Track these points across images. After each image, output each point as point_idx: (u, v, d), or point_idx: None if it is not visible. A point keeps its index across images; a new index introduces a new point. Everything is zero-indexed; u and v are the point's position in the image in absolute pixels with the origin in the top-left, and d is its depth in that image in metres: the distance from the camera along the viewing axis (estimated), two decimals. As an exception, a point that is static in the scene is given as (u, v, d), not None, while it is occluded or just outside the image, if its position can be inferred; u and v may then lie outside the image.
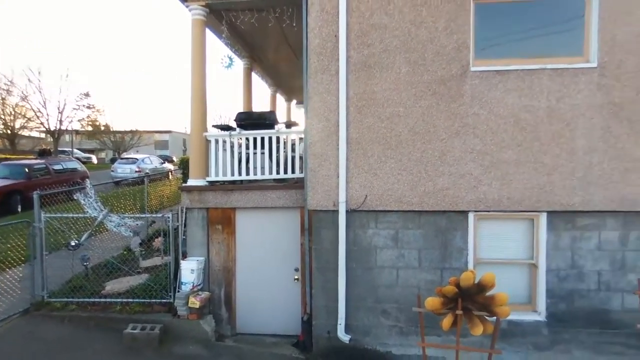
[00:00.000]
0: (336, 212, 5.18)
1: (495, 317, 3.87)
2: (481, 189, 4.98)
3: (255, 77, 11.46)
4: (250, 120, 6.78)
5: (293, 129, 6.70)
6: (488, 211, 5.02)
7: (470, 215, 5.06)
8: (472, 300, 3.86)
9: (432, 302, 3.90)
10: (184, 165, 10.34)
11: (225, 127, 6.65)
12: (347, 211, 5.16)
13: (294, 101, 15.19)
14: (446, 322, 3.89)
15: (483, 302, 3.82)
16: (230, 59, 6.86)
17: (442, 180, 5.03)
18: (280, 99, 14.54)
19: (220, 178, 6.30)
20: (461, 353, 4.44)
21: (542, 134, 4.88)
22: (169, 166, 23.31)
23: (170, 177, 18.51)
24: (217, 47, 57.31)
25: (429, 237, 5.14)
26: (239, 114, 6.99)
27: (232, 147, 6.37)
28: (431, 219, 5.13)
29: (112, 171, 19.68)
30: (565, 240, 4.97)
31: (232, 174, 6.32)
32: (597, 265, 4.93)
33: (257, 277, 6.19)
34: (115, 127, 37.92)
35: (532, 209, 4.95)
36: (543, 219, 4.98)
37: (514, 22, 5.04)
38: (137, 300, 6.05)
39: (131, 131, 38.58)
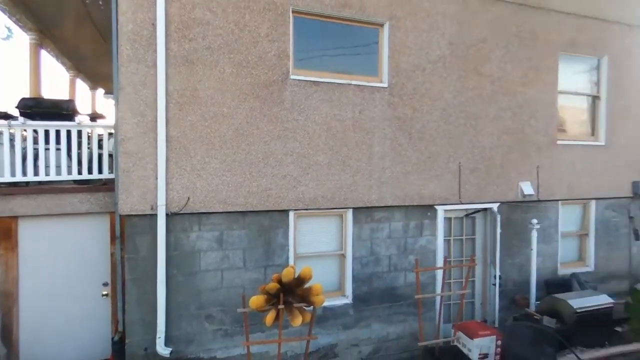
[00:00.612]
0: (154, 216, 4.76)
1: (312, 307, 4.26)
2: (300, 189, 5.39)
3: (49, 57, 9.49)
4: (40, 108, 5.60)
5: (99, 122, 5.87)
6: (306, 209, 5.47)
7: (291, 214, 5.42)
8: (292, 293, 4.15)
9: (256, 300, 4.01)
10: None
11: (3, 116, 5.30)
12: (167, 215, 4.80)
13: (101, 90, 13.23)
14: (269, 318, 4.06)
15: (302, 294, 4.15)
16: (9, 29, 5.52)
17: (266, 181, 5.23)
18: (82, 85, 12.46)
19: (-5, 179, 4.98)
20: (283, 344, 4.71)
21: (349, 140, 5.62)
22: None
23: None
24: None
25: (253, 236, 5.26)
26: (24, 99, 5.67)
27: (12, 140, 5.12)
28: (255, 219, 5.26)
29: None
30: (366, 231, 5.85)
31: (14, 175, 5.09)
32: (389, 251, 5.99)
33: (51, 298, 5.14)
34: None
35: (341, 206, 5.65)
36: (349, 214, 5.75)
37: (328, 39, 5.63)
38: None
39: None
